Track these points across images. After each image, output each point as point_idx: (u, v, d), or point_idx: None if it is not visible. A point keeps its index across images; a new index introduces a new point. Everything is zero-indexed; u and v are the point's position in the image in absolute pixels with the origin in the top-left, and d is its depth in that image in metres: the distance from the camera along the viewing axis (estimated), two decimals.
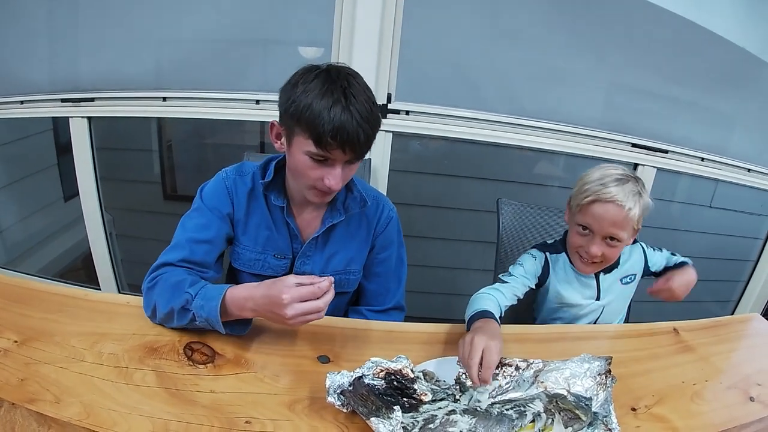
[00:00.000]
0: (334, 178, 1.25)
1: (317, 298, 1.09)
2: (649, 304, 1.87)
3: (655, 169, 2.84)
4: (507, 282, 1.60)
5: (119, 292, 2.95)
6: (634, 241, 1.72)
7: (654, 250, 1.75)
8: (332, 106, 1.16)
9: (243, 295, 1.15)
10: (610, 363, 1.11)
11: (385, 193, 2.43)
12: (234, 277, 1.54)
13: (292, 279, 1.10)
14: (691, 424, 1.19)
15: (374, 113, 1.24)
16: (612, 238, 1.51)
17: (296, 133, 1.23)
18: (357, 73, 1.27)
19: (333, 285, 1.12)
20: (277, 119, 1.30)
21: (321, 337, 1.29)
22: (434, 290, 3.08)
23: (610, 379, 1.09)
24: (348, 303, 1.64)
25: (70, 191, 2.89)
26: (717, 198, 3.42)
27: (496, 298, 1.51)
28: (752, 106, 3.12)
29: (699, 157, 2.94)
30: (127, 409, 0.96)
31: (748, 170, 3.12)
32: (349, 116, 1.17)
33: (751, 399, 1.34)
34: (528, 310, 1.85)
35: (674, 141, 2.87)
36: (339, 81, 1.20)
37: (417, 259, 2.93)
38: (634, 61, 2.76)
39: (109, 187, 2.81)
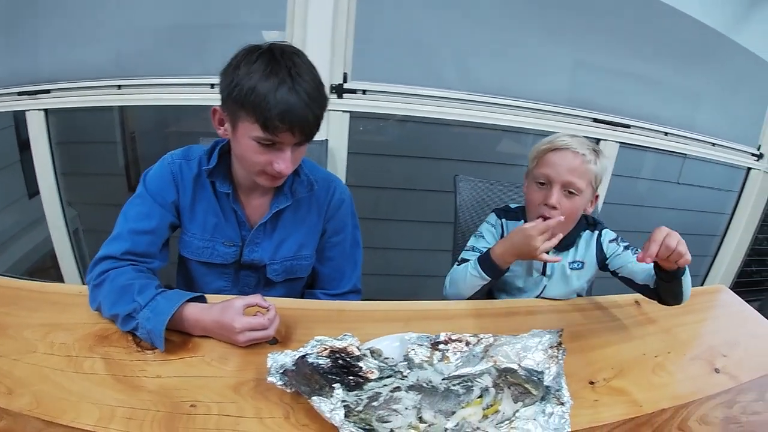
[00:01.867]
0: (284, 162, 1.23)
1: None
2: None
3: (618, 144, 2.86)
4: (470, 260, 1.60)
5: None
6: (597, 228, 1.69)
7: (619, 244, 1.65)
8: (278, 88, 1.13)
9: (193, 317, 1.14)
10: (560, 335, 1.10)
11: (344, 175, 2.44)
12: (184, 263, 1.51)
13: (239, 304, 1.14)
14: (652, 396, 1.18)
15: (321, 92, 1.21)
16: (570, 191, 1.50)
17: (241, 118, 1.18)
18: (301, 51, 1.23)
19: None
20: (220, 104, 1.26)
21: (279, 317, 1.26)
22: (395, 272, 3.08)
23: (561, 351, 1.08)
24: (303, 287, 1.61)
25: (34, 188, 2.82)
26: (684, 174, 3.45)
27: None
28: (716, 82, 3.15)
29: (663, 132, 2.97)
30: (76, 397, 0.95)
31: (713, 144, 3.16)
32: (296, 97, 1.14)
33: (716, 370, 1.34)
34: None
35: (638, 116, 2.90)
36: (283, 61, 1.16)
37: (378, 241, 2.93)
38: (597, 37, 2.76)
39: (73, 181, 2.77)
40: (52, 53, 2.47)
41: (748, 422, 1.17)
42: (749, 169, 3.41)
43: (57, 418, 0.90)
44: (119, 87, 2.45)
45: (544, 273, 1.65)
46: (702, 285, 3.64)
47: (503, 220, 1.70)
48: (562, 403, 0.96)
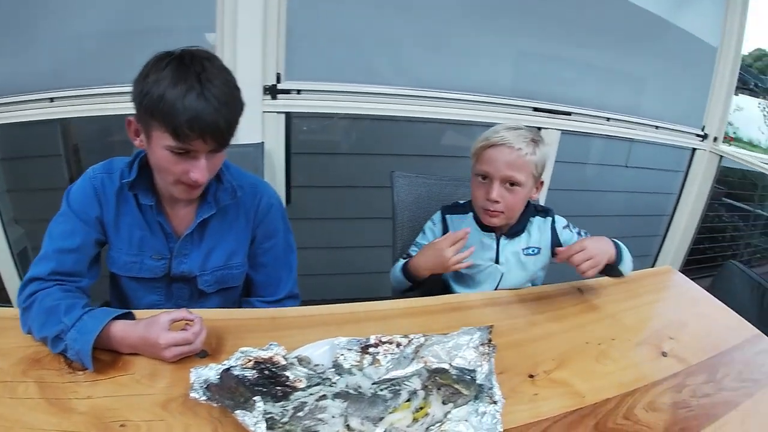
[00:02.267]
0: (199, 171, 1.18)
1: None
2: None
3: (560, 132, 2.87)
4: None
5: None
6: (549, 215, 1.73)
7: (572, 230, 1.72)
8: (186, 94, 1.08)
9: (120, 335, 1.10)
10: (490, 332, 1.07)
11: (283, 178, 2.38)
12: (115, 280, 1.45)
13: (164, 319, 1.10)
14: (595, 386, 1.16)
15: (234, 96, 1.17)
16: (511, 183, 1.54)
17: (153, 127, 1.13)
18: (214, 55, 1.19)
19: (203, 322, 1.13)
20: (134, 114, 1.20)
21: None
22: (345, 271, 3.06)
23: (491, 348, 1.04)
24: (240, 295, 1.57)
25: None
26: (632, 158, 3.56)
27: None
28: (659, 66, 3.20)
29: (605, 117, 2.99)
30: (10, 423, 0.93)
31: (657, 127, 3.20)
32: (205, 103, 1.09)
33: (664, 354, 1.34)
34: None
35: (581, 103, 2.91)
36: (193, 66, 1.11)
37: (327, 241, 2.92)
38: (537, 26, 2.77)
39: (19, 198, 2.69)
40: None
41: (699, 405, 1.16)
42: (694, 149, 3.48)
43: None
44: (51, 100, 2.35)
45: (497, 261, 1.66)
46: (653, 265, 3.72)
47: (447, 216, 1.72)
48: (495, 402, 0.93)
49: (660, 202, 3.74)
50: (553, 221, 1.71)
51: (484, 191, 1.56)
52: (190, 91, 1.08)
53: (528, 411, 1.05)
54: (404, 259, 1.68)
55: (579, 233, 1.70)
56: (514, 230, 1.66)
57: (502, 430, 0.89)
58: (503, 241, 1.67)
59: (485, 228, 1.66)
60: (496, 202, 1.54)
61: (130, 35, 2.36)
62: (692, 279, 1.82)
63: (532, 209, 1.70)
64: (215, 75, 1.13)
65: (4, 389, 1.00)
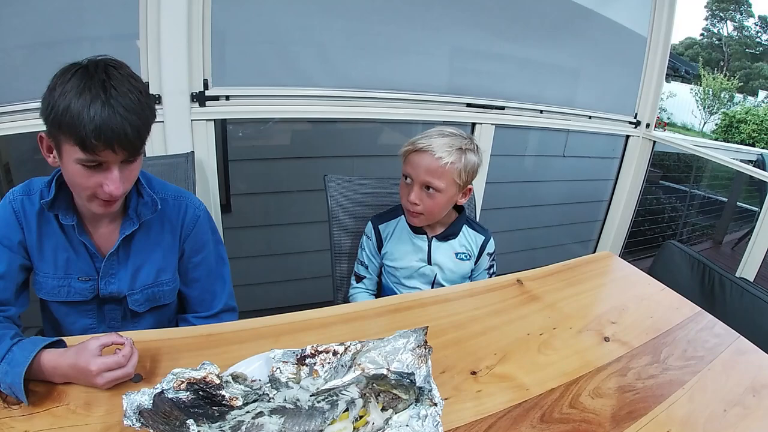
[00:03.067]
0: (112, 182, 1.13)
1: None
2: None
3: (494, 126, 2.92)
4: (364, 276, 1.81)
5: None
6: (484, 235, 1.79)
7: (489, 262, 1.82)
8: (91, 104, 1.04)
9: (51, 365, 1.05)
10: (425, 333, 1.05)
11: (215, 187, 2.33)
12: (45, 306, 1.39)
13: (94, 344, 1.05)
14: (539, 377, 1.17)
15: (142, 102, 1.12)
16: (429, 188, 1.59)
17: (62, 141, 1.09)
18: (121, 62, 1.15)
19: (134, 344, 1.09)
20: (45, 130, 1.15)
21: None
22: (290, 277, 3.03)
23: (428, 350, 1.02)
24: (175, 312, 1.52)
25: None
26: (569, 147, 3.66)
27: (367, 291, 1.82)
28: (590, 57, 3.30)
29: (538, 110, 3.06)
30: None
31: (590, 117, 3.31)
32: (110, 111, 1.05)
33: (606, 339, 1.36)
34: None
35: (515, 97, 2.98)
36: (97, 75, 1.07)
37: (270, 248, 2.89)
38: (468, 22, 2.79)
39: None
40: None
41: (645, 387, 1.18)
42: (628, 136, 3.61)
43: None
44: None
45: (429, 263, 1.71)
46: (595, 250, 3.85)
47: (379, 226, 1.79)
48: (435, 404, 0.92)
49: (598, 188, 3.86)
50: (486, 242, 1.78)
51: (407, 192, 1.64)
52: (95, 100, 1.04)
53: (472, 408, 1.05)
54: (356, 281, 1.83)
55: (490, 269, 1.82)
56: (446, 234, 1.74)
57: (441, 431, 0.88)
58: (435, 242, 1.73)
59: (417, 230, 1.72)
60: (415, 204, 1.61)
61: (55, 46, 2.28)
62: (634, 261, 1.86)
63: (465, 220, 1.79)
64: (121, 82, 1.09)
65: None
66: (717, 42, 27.46)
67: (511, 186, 3.46)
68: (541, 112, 3.09)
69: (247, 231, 2.73)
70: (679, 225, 5.64)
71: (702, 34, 28.27)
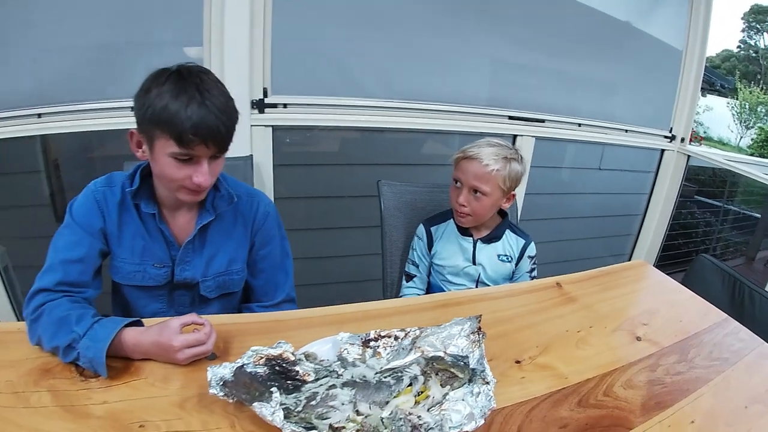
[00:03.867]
0: (202, 174, 1.26)
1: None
2: None
3: (534, 138, 2.99)
4: (414, 274, 1.96)
5: None
6: (525, 240, 1.93)
7: (530, 265, 1.94)
8: (188, 104, 1.17)
9: (132, 342, 1.15)
10: (479, 321, 1.16)
11: (272, 188, 2.45)
12: (118, 289, 1.51)
13: (176, 323, 1.15)
14: (576, 369, 1.26)
15: (230, 105, 1.26)
16: (477, 192, 1.75)
17: (156, 137, 1.22)
18: (208, 70, 1.28)
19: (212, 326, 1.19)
20: (135, 127, 1.29)
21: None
22: (332, 280, 3.10)
23: (481, 335, 1.14)
24: (239, 301, 1.64)
25: None
26: (605, 160, 3.62)
27: (417, 289, 1.95)
28: (628, 71, 3.33)
29: (576, 123, 3.12)
30: (28, 431, 0.96)
31: (626, 131, 3.34)
32: (206, 111, 1.18)
33: (638, 339, 1.44)
34: None
35: (552, 110, 3.04)
36: (191, 79, 1.20)
37: (313, 251, 2.95)
38: (509, 36, 2.87)
39: None
40: None
41: (672, 382, 1.26)
42: (663, 150, 3.63)
43: None
44: (39, 116, 2.39)
45: (474, 263, 1.88)
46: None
47: (431, 227, 1.95)
48: (487, 383, 1.03)
49: (632, 202, 3.86)
50: (526, 245, 1.92)
51: (456, 195, 1.80)
52: (192, 100, 1.18)
53: (518, 392, 1.15)
54: (406, 280, 1.97)
55: (531, 272, 1.94)
56: (490, 237, 1.89)
57: (495, 405, 0.99)
58: (479, 244, 1.88)
59: (464, 233, 1.89)
60: (463, 205, 1.78)
61: (116, 49, 2.41)
62: (666, 274, 1.91)
63: (509, 225, 1.94)
64: (212, 86, 1.23)
65: (17, 400, 1.04)
66: (754, 54, 26.79)
67: (548, 197, 3.49)
68: (579, 125, 3.15)
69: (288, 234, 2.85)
70: (712, 240, 5.60)
71: (739, 47, 27.65)
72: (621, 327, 1.49)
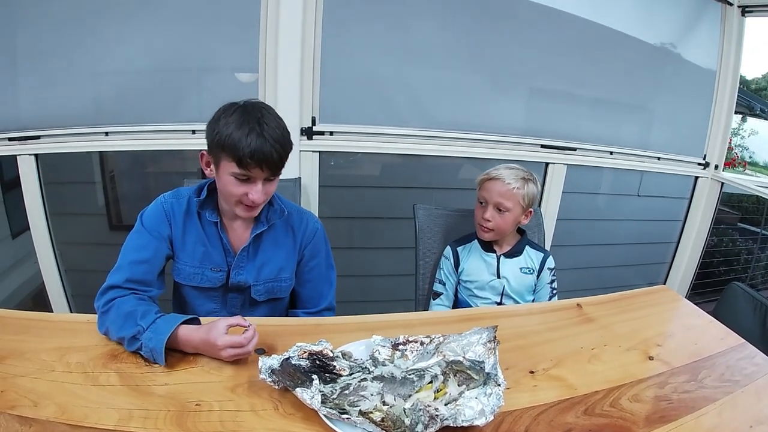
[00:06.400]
0: (256, 192, 1.47)
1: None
2: None
3: (566, 166, 3.08)
4: (441, 292, 2.11)
5: None
6: (544, 253, 2.10)
7: (550, 277, 2.10)
8: (249, 134, 1.39)
9: (185, 337, 1.32)
10: (495, 331, 1.31)
11: (317, 208, 2.65)
12: (178, 289, 1.70)
13: (222, 324, 1.31)
14: (586, 381, 1.35)
15: (285, 136, 1.47)
16: (500, 209, 1.95)
17: (222, 158, 1.44)
18: (269, 106, 1.50)
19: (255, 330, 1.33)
20: (206, 149, 1.51)
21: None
22: (371, 299, 3.26)
23: (496, 344, 1.28)
24: (286, 306, 1.82)
25: (18, 228, 2.93)
26: (644, 186, 3.65)
27: (444, 307, 2.09)
28: (658, 97, 3.36)
29: (608, 152, 3.19)
30: (96, 404, 1.11)
31: (659, 159, 3.36)
32: (263, 140, 1.39)
33: (650, 358, 1.50)
34: None
35: (584, 138, 3.12)
36: (254, 113, 1.43)
37: (353, 269, 3.06)
38: (542, 66, 2.97)
39: (55, 222, 2.82)
40: (36, 100, 2.59)
41: (679, 399, 1.31)
42: (697, 177, 3.61)
43: (81, 422, 1.07)
44: (106, 134, 2.61)
45: (498, 276, 2.04)
46: None
47: (457, 247, 2.12)
48: (499, 385, 1.16)
49: (667, 229, 3.84)
50: (546, 258, 2.09)
51: (481, 212, 1.99)
52: (251, 131, 1.39)
53: (528, 398, 1.26)
54: (433, 298, 2.13)
55: (552, 283, 2.10)
56: (512, 252, 2.07)
57: (503, 403, 1.12)
58: (503, 259, 2.06)
59: (487, 249, 2.07)
60: (488, 221, 1.96)
61: (172, 73, 2.62)
62: (704, 302, 1.94)
63: (528, 241, 2.11)
64: (271, 120, 1.45)
65: (86, 379, 1.20)
66: None
67: (583, 224, 3.54)
68: (611, 153, 3.21)
69: None
70: (751, 268, 5.51)
71: None
72: (635, 347, 1.55)
